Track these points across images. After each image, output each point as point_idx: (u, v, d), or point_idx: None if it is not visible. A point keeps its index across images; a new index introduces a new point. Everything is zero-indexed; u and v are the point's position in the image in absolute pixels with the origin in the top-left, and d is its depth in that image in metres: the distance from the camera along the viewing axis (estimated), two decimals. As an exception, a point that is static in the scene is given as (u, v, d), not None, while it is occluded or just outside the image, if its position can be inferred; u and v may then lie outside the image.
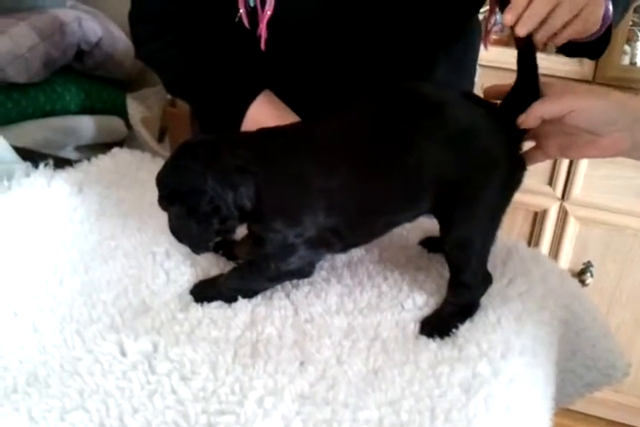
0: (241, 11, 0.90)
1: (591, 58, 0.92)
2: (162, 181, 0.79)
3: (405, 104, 0.76)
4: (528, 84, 0.77)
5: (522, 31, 0.74)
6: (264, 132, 0.79)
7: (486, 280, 0.83)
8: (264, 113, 0.95)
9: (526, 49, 0.76)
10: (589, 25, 0.79)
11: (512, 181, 0.78)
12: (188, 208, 0.76)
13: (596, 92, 0.75)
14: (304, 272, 0.85)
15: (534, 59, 0.76)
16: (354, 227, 0.80)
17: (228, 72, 0.98)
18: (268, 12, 0.89)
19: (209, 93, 0.97)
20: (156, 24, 0.98)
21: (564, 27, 0.76)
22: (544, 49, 1.70)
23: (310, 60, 0.98)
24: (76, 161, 1.11)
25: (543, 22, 0.74)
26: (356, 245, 0.86)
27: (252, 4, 0.90)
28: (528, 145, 0.81)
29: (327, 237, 0.79)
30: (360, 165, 0.75)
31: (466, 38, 1.04)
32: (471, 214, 0.77)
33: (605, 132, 0.73)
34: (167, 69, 1.01)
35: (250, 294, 0.84)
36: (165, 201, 0.79)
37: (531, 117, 0.75)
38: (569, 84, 0.77)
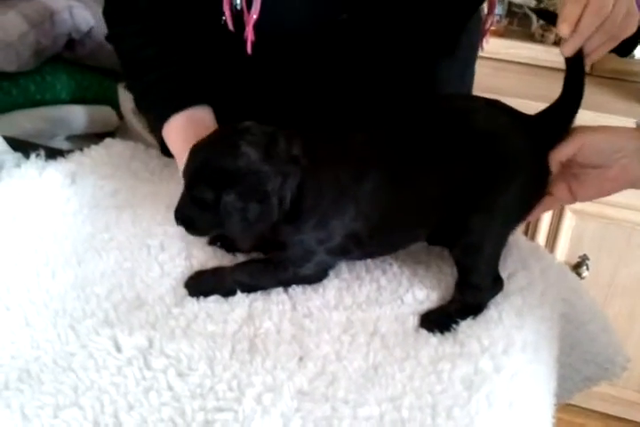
0: (226, 13, 0.88)
1: (620, 55, 0.92)
2: (210, 162, 0.74)
3: (433, 116, 0.77)
4: (572, 97, 0.77)
5: (568, 51, 0.74)
6: (316, 132, 0.79)
7: (497, 283, 0.81)
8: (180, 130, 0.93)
9: (575, 63, 0.75)
10: (627, 33, 0.77)
11: (534, 188, 0.78)
12: (244, 191, 0.72)
13: (602, 127, 0.79)
14: (317, 278, 0.83)
15: (582, 71, 0.76)
16: (375, 235, 0.79)
17: (173, 75, 0.96)
18: (254, 16, 0.87)
19: (149, 89, 0.96)
20: (126, 12, 0.98)
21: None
22: (542, 41, 1.69)
23: (299, 64, 0.95)
24: (68, 151, 1.08)
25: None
26: (373, 254, 0.85)
27: (238, 8, 0.87)
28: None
29: (347, 244, 0.78)
30: (388, 175, 0.76)
31: (467, 39, 1.02)
32: (486, 221, 0.77)
33: (613, 160, 0.76)
34: (124, 56, 1.00)
35: (252, 289, 0.82)
36: (210, 185, 0.74)
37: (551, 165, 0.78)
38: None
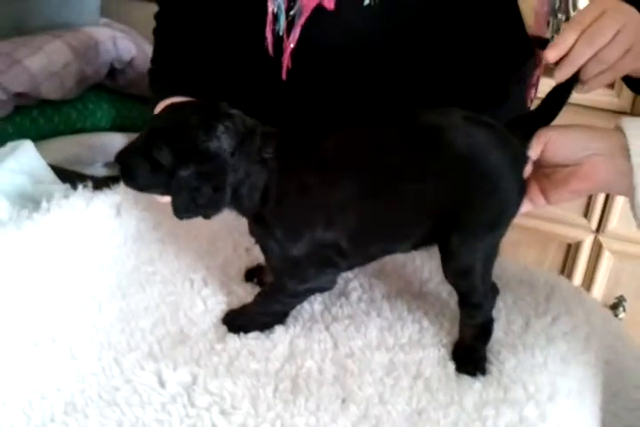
0: (268, 39, 0.90)
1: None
2: (183, 130, 0.72)
3: (406, 131, 0.75)
4: (548, 113, 0.76)
5: (559, 78, 0.73)
6: (294, 134, 0.78)
7: (493, 292, 0.82)
8: None
9: (564, 85, 0.74)
10: (629, 68, 0.76)
11: (513, 201, 0.76)
12: (204, 173, 0.71)
13: (577, 125, 0.76)
14: (325, 289, 0.83)
15: (568, 93, 0.75)
16: (356, 245, 0.77)
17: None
18: (291, 45, 0.89)
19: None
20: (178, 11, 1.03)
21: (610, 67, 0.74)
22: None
23: (335, 92, 0.95)
24: (112, 178, 1.10)
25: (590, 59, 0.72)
26: (356, 265, 0.84)
27: (280, 33, 0.90)
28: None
29: (330, 254, 0.77)
30: (361, 186, 0.74)
31: (519, 91, 1.00)
32: (471, 241, 0.75)
33: (583, 158, 0.74)
34: (155, 37, 1.05)
35: (280, 316, 0.83)
36: (173, 151, 0.72)
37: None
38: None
